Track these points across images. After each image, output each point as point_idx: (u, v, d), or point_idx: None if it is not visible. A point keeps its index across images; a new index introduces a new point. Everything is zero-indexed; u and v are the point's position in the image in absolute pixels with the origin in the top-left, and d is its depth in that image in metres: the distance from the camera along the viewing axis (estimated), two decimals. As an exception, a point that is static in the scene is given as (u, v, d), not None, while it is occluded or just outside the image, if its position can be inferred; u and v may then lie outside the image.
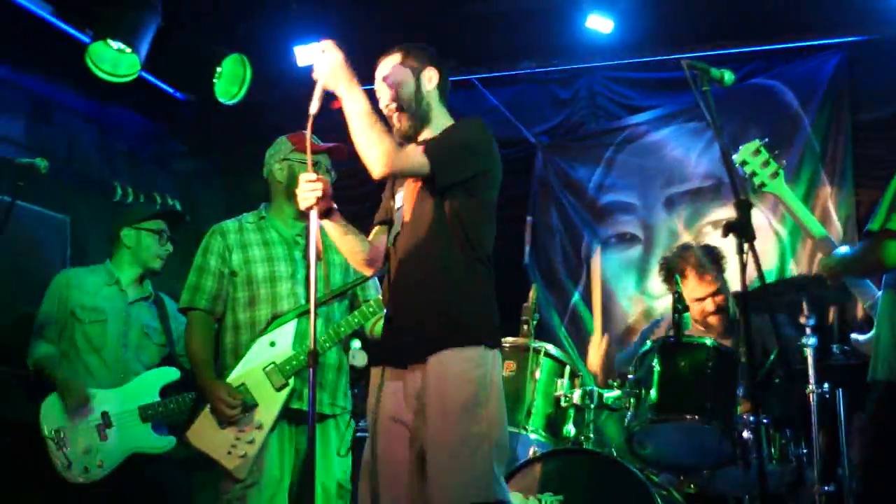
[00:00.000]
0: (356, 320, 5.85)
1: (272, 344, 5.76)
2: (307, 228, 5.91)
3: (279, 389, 5.69)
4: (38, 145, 7.75)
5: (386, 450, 4.84)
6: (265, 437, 5.65)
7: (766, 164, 5.83)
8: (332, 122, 5.01)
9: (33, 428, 6.70)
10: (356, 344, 6.39)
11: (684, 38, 8.39)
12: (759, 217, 8.19)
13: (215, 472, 5.76)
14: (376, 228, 5.18)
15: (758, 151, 5.86)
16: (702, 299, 7.02)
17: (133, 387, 6.85)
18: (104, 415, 6.72)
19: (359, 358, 6.57)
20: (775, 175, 5.82)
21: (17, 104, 7.89)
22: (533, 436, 6.48)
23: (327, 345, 5.78)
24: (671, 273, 6.96)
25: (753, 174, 5.84)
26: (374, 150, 4.68)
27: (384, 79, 5.05)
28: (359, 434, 6.16)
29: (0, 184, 5.97)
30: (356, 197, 9.11)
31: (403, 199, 5.02)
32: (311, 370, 4.60)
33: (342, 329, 5.83)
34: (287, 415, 5.74)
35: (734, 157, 5.88)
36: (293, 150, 6.05)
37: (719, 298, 7.06)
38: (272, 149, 6.14)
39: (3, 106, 7.76)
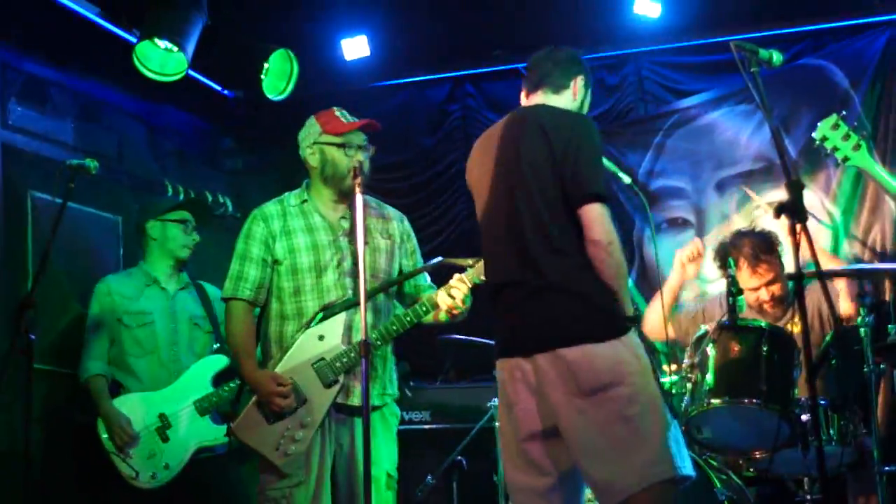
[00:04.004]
0: (409, 319, 5.66)
1: (321, 338, 5.56)
2: (351, 209, 5.70)
3: (328, 386, 5.51)
4: (87, 146, 7.79)
5: None
6: (312, 434, 5.48)
7: (847, 137, 5.77)
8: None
9: (95, 430, 6.74)
10: None
11: (732, 20, 8.35)
12: (812, 198, 8.14)
13: (261, 464, 5.60)
14: None
15: (836, 125, 5.79)
16: (756, 289, 6.92)
17: (184, 382, 6.90)
18: (161, 416, 6.75)
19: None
20: (857, 147, 5.74)
21: (65, 106, 7.92)
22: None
23: (378, 343, 5.58)
24: (725, 259, 6.90)
25: (835, 149, 5.77)
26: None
27: None
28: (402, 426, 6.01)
29: (51, 185, 5.98)
30: (407, 190, 9.16)
31: None
32: (363, 360, 4.55)
33: (394, 327, 5.64)
34: (330, 409, 5.57)
35: (814, 134, 5.83)
36: (322, 133, 5.82)
37: (774, 287, 6.90)
38: (303, 131, 5.91)
39: (52, 107, 7.79)
